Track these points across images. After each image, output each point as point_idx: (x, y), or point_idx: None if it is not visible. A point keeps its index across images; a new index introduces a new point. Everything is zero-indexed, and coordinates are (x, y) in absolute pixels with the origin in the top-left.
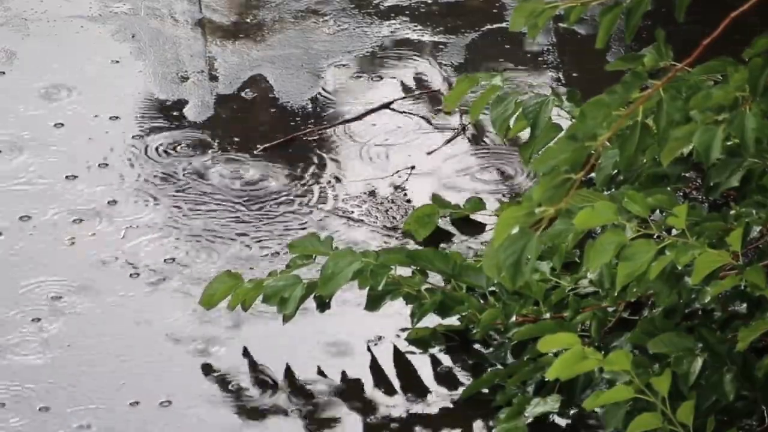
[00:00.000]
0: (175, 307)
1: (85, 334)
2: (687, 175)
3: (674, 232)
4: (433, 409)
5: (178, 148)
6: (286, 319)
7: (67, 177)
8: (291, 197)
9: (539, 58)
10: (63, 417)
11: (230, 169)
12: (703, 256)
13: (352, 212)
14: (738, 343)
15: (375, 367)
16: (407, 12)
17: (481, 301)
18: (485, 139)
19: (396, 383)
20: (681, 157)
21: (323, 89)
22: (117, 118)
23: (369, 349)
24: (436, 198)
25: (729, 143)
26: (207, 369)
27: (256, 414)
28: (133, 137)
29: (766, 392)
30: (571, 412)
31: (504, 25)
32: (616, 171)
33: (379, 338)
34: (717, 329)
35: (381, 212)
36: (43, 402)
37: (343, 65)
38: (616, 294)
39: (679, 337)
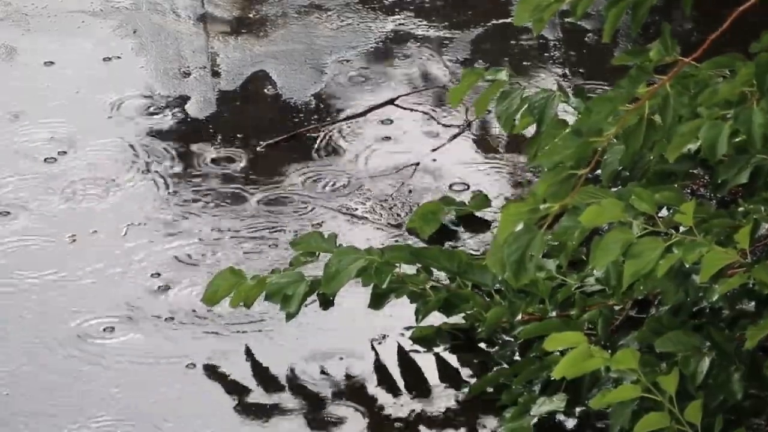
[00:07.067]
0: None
1: None
2: (694, 172)
3: (681, 229)
4: (438, 408)
5: (180, 144)
6: (289, 317)
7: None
8: (294, 194)
9: (545, 54)
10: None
11: (232, 166)
12: (710, 253)
13: (356, 209)
14: (746, 341)
15: (379, 366)
16: (412, 7)
17: (487, 300)
18: (490, 135)
19: (400, 382)
20: (688, 153)
21: (326, 85)
22: (118, 114)
23: (373, 348)
24: (441, 195)
25: (737, 140)
26: (208, 367)
27: (259, 413)
28: (134, 134)
29: None
30: (578, 411)
31: (509, 20)
32: (622, 167)
33: (384, 337)
34: (725, 328)
35: (385, 209)
36: None
37: (347, 61)
38: (622, 292)
39: (687, 335)
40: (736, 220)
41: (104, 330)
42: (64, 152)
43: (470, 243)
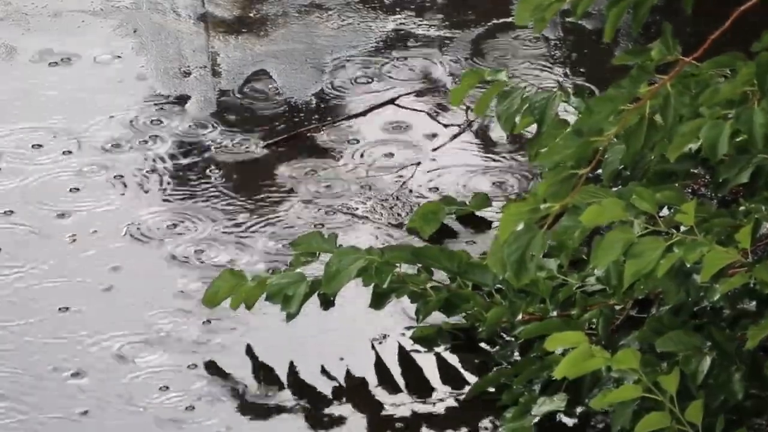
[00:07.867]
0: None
1: None
2: (695, 171)
3: (682, 229)
4: (439, 408)
5: (180, 144)
6: (290, 317)
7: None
8: (294, 193)
9: (546, 53)
10: None
11: (233, 165)
12: (711, 253)
13: (357, 209)
14: (747, 341)
15: (380, 366)
16: (412, 6)
17: (487, 299)
18: (491, 135)
19: (401, 382)
20: (689, 153)
21: (327, 85)
22: (118, 114)
23: (373, 348)
24: (441, 195)
25: (738, 139)
26: (210, 366)
27: (260, 413)
28: (134, 134)
29: None
30: (578, 411)
31: (510, 19)
32: (622, 167)
33: (384, 337)
34: (726, 327)
35: (386, 209)
36: None
37: (348, 60)
38: (623, 292)
39: (688, 335)
40: (737, 219)
41: None
42: (67, 152)
43: (470, 243)
